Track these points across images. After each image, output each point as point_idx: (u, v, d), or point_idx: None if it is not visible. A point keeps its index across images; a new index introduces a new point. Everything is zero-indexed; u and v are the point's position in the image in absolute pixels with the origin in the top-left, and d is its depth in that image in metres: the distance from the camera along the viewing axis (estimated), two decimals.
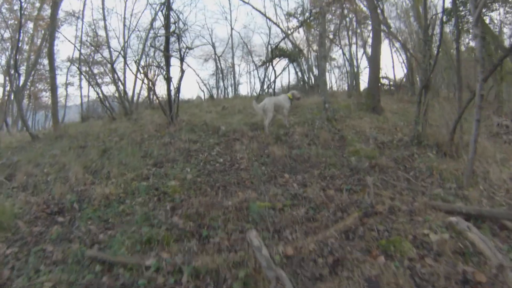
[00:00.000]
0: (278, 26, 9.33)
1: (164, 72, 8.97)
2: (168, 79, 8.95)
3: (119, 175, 5.68)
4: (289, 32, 14.26)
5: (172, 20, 8.77)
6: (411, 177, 5.39)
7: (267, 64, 15.04)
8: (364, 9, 16.50)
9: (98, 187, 5.08)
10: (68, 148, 7.66)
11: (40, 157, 7.18)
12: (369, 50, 19.84)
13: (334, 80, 23.96)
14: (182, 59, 9.27)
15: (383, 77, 20.13)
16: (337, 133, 7.47)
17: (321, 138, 7.04)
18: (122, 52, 14.80)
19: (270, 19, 8.92)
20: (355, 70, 17.39)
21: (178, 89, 9.48)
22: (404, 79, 17.69)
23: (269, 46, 16.33)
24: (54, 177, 5.90)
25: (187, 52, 9.57)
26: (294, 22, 14.98)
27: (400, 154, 6.26)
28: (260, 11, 10.52)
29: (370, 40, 19.19)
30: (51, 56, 11.32)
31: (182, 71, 9.35)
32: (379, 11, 11.13)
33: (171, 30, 8.76)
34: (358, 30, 17.43)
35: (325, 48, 7.77)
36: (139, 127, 9.49)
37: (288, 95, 8.45)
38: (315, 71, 18.29)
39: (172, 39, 9.04)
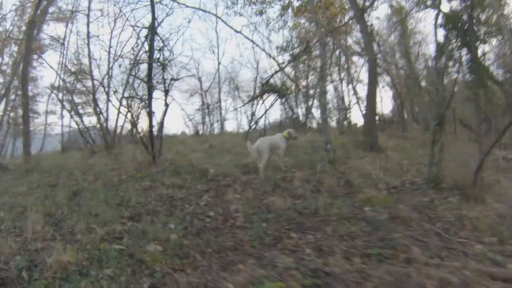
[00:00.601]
0: (274, 58, 9.01)
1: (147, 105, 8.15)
2: (150, 113, 8.15)
3: (86, 231, 4.56)
4: (282, 65, 13.97)
5: (156, 46, 8.05)
6: (441, 231, 4.60)
7: (255, 99, 14.63)
8: (353, 45, 16.62)
9: (56, 251, 3.86)
10: (37, 186, 6.88)
11: (1, 195, 6.22)
12: (357, 86, 20.19)
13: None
14: (166, 91, 8.69)
15: None
16: (341, 177, 6.74)
17: (325, 184, 6.29)
18: (105, 82, 14.03)
19: (264, 50, 8.58)
20: (345, 105, 17.12)
21: (161, 124, 8.86)
22: (393, 115, 17.48)
23: (258, 81, 16.02)
24: (8, 225, 4.69)
25: (172, 84, 9.04)
26: (285, 57, 14.79)
27: (419, 201, 5.54)
28: (251, 40, 10.17)
29: (357, 76, 19.51)
30: (24, 80, 10.48)
31: (166, 105, 8.71)
32: (375, 45, 10.95)
33: (156, 57, 8.03)
34: (346, 66, 17.38)
35: (325, 82, 7.23)
36: (119, 164, 8.57)
37: (284, 134, 7.87)
38: (303, 107, 18.03)
39: (157, 69, 8.30)
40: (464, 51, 12.37)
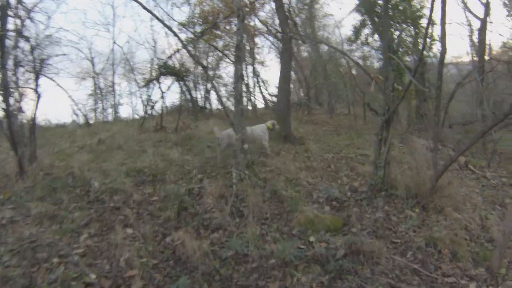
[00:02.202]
0: (175, 34, 7.02)
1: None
2: (7, 108, 5.55)
3: None
4: (186, 42, 11.83)
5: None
6: (418, 265, 3.49)
7: (152, 82, 12.39)
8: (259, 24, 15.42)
9: None
10: None
11: None
12: (261, 69, 19.28)
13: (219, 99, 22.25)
14: (37, 76, 6.94)
15: (272, 95, 19.37)
16: (265, 186, 5.25)
17: (247, 200, 4.71)
18: None
19: (166, 26, 6.55)
20: (249, 89, 15.89)
21: (33, 121, 6.91)
22: (299, 98, 16.96)
23: (155, 62, 13.98)
24: None
25: (43, 67, 7.23)
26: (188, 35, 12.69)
27: (373, 220, 4.35)
28: (149, 11, 7.88)
29: (258, 57, 18.43)
30: None
31: (38, 95, 6.87)
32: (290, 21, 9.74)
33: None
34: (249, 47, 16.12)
35: (242, 64, 5.59)
36: None
37: (268, 125, 7.54)
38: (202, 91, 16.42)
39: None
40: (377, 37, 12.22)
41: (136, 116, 18.49)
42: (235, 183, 5.12)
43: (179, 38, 7.18)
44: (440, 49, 7.11)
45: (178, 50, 12.73)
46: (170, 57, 12.89)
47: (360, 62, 17.01)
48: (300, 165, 6.54)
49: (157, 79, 12.26)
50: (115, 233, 4.12)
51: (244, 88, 17.19)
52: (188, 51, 7.35)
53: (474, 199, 5.40)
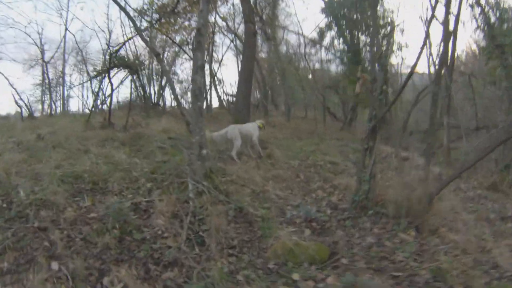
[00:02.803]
0: (131, 17, 5.88)
1: None
2: None
3: None
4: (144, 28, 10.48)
5: None
6: None
7: (103, 74, 10.91)
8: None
9: None
10: None
11: None
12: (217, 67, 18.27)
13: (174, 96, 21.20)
14: None
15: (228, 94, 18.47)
16: (228, 201, 4.22)
17: (207, 221, 3.64)
18: None
19: (120, 7, 5.39)
20: (205, 87, 14.76)
21: None
22: (257, 100, 16.17)
23: (107, 53, 12.59)
24: None
25: None
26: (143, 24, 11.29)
27: (364, 246, 3.53)
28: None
29: (216, 56, 17.44)
30: None
31: None
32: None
33: None
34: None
35: (204, 53, 4.57)
36: None
37: (259, 124, 7.41)
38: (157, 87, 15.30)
39: None
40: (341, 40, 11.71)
41: (87, 111, 16.99)
42: (191, 198, 4.04)
43: (133, 22, 5.98)
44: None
45: (131, 38, 11.27)
46: (123, 44, 11.39)
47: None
48: (266, 174, 5.62)
49: (108, 71, 10.84)
50: (35, 269, 2.87)
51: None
52: (142, 37, 6.15)
53: (462, 216, 4.80)
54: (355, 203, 4.38)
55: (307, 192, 5.07)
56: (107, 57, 10.93)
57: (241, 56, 10.20)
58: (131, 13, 10.37)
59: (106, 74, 10.87)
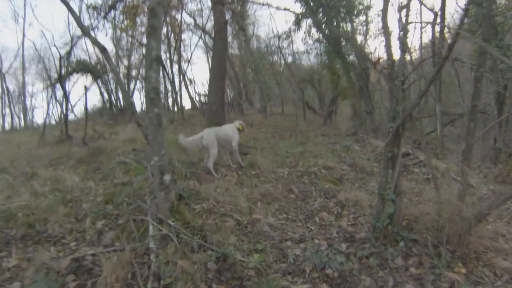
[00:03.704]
0: (73, 12, 4.53)
1: None
2: None
3: None
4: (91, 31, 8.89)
5: None
6: None
7: (61, 81, 9.32)
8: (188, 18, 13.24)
9: None
10: None
11: None
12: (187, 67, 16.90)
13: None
14: None
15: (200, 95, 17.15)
16: (208, 248, 2.89)
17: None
18: None
19: (66, 4, 4.04)
20: (175, 89, 13.43)
21: None
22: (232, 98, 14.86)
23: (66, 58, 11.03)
24: None
25: None
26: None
27: None
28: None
29: (185, 55, 16.04)
30: None
31: None
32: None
33: None
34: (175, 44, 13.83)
35: (159, 42, 3.16)
36: None
37: (237, 126, 6.10)
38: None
39: None
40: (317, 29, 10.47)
41: (54, 122, 16.22)
42: (153, 249, 2.69)
43: (74, 15, 4.51)
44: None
45: (79, 37, 9.65)
46: (72, 46, 9.77)
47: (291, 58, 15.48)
48: (251, 192, 4.33)
49: (59, 77, 9.24)
50: None
51: (168, 86, 14.59)
52: (84, 31, 4.68)
53: (499, 228, 3.70)
54: (377, 230, 3.17)
55: (308, 215, 3.81)
56: (60, 62, 9.38)
57: (211, 53, 8.99)
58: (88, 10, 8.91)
59: (66, 80, 9.39)
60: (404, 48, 3.04)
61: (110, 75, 16.10)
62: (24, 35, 16.93)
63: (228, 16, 8.65)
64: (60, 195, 4.44)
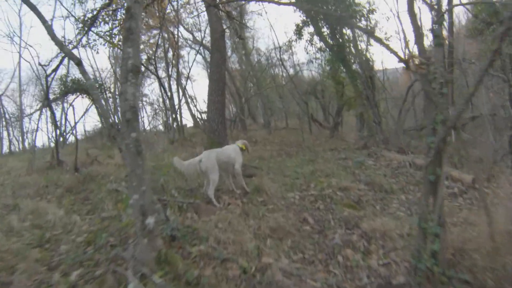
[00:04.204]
0: (44, 21, 4.04)
1: None
2: None
3: None
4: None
5: None
6: None
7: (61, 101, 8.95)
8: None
9: None
10: None
11: None
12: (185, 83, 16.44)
13: (147, 119, 19.34)
14: None
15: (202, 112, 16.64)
16: None
17: None
18: None
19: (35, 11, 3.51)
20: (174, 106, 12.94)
21: None
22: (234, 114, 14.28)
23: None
24: None
25: None
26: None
27: None
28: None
29: (185, 72, 15.65)
30: None
31: None
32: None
33: None
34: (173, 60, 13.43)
35: (138, 45, 2.52)
36: None
37: (240, 145, 5.37)
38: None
39: None
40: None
41: (52, 145, 15.53)
42: None
43: (45, 26, 3.97)
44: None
45: (64, 57, 9.08)
46: (60, 63, 9.25)
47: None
48: (259, 226, 3.64)
49: (46, 97, 8.68)
50: None
51: (166, 103, 14.09)
52: (59, 44, 4.13)
53: None
54: (419, 272, 2.47)
55: (329, 254, 3.11)
56: (46, 81, 8.84)
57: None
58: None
59: (47, 102, 8.77)
60: (439, 41, 2.40)
61: (108, 96, 15.69)
62: (20, 56, 16.46)
63: (225, 26, 8.09)
64: (39, 233, 3.85)
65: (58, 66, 7.42)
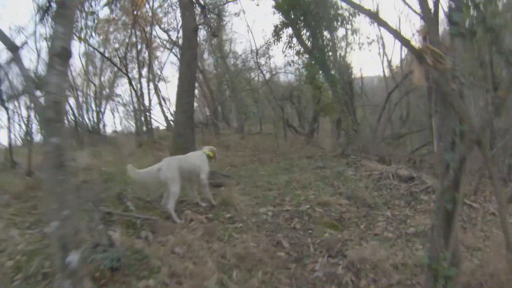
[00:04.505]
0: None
1: None
2: None
3: None
4: None
5: None
6: None
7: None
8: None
9: None
10: None
11: None
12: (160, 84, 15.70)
13: (119, 121, 18.40)
14: None
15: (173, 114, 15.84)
16: None
17: None
18: None
19: None
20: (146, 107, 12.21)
21: None
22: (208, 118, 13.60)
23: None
24: None
25: None
26: None
27: None
28: None
29: (159, 72, 14.90)
30: None
31: None
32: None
33: None
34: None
35: (71, 31, 1.82)
36: None
37: (207, 152, 4.66)
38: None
39: None
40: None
41: (19, 144, 13.95)
42: None
43: None
44: None
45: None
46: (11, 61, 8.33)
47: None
48: (224, 252, 2.97)
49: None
50: None
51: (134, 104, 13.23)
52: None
53: None
54: None
55: None
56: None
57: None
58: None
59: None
60: (458, 30, 1.84)
61: (79, 93, 14.64)
62: None
63: (199, 22, 7.42)
64: None
65: (12, 59, 6.52)
